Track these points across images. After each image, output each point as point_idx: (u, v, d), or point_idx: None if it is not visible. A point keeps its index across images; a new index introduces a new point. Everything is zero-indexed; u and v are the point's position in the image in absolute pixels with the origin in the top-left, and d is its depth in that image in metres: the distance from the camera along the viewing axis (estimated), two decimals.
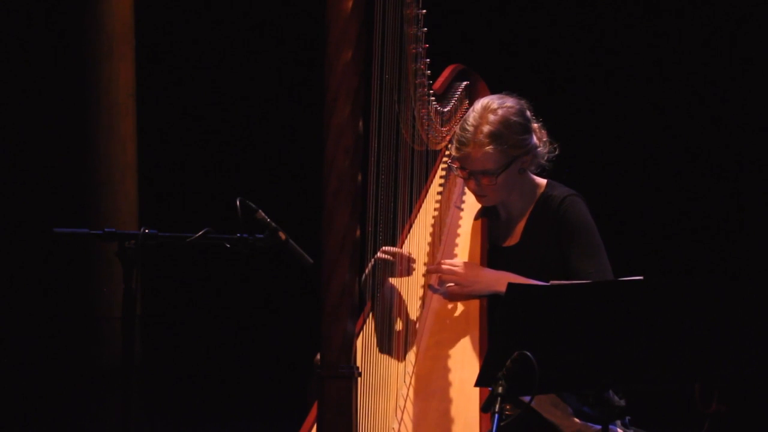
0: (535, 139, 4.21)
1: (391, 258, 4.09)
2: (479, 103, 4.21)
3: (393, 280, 4.12)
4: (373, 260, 4.03)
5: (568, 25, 7.22)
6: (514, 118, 4.17)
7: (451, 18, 7.10)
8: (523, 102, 4.24)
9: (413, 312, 4.11)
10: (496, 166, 4.14)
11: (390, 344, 3.97)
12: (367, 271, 4.04)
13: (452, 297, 4.12)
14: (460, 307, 4.10)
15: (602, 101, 7.21)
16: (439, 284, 4.16)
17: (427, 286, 4.17)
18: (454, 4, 7.14)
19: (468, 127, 4.15)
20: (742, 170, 7.06)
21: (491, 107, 4.17)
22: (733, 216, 7.05)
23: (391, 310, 4.04)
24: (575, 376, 3.37)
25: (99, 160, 7.47)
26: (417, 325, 4.07)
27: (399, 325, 4.01)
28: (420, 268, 4.20)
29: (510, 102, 4.21)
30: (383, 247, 4.04)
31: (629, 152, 7.19)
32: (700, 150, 7.11)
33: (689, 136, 7.13)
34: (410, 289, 4.14)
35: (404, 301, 4.11)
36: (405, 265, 4.11)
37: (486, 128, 4.13)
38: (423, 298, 4.16)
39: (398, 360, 3.95)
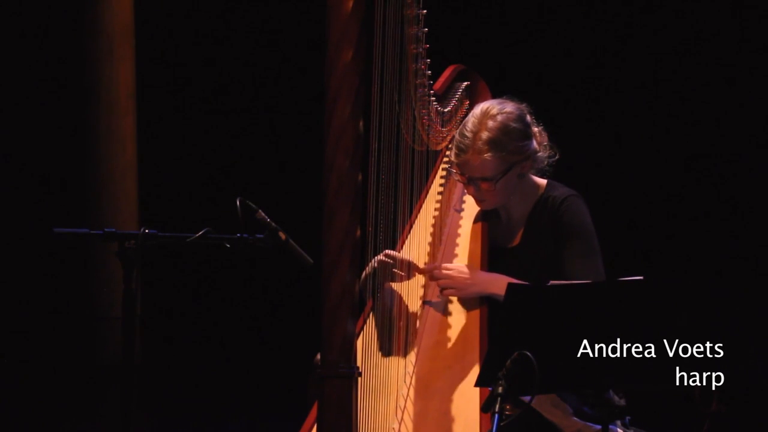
0: (534, 144, 4.17)
1: (392, 262, 4.07)
2: (478, 108, 4.17)
3: (393, 283, 4.11)
4: (373, 262, 4.02)
5: (568, 25, 7.22)
6: (514, 125, 4.13)
7: (451, 18, 7.10)
8: (523, 107, 4.20)
9: (413, 312, 4.10)
10: (494, 172, 4.11)
11: (390, 345, 3.97)
12: (366, 271, 4.03)
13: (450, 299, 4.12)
14: (459, 307, 4.09)
15: (603, 101, 7.21)
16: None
17: (425, 296, 4.16)
18: (454, 4, 7.14)
19: (467, 134, 4.12)
20: (742, 170, 7.06)
21: (490, 113, 4.13)
22: (733, 216, 7.05)
23: (391, 311, 4.04)
24: (575, 376, 3.37)
25: (99, 160, 7.47)
26: (417, 326, 4.07)
27: (399, 326, 4.01)
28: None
29: (510, 107, 4.16)
30: (386, 251, 4.03)
31: (629, 152, 7.19)
32: (700, 150, 7.12)
33: (689, 136, 7.13)
34: (410, 289, 4.14)
35: (404, 301, 4.10)
36: (406, 271, 4.10)
37: (485, 135, 4.09)
38: (423, 299, 4.16)
39: (398, 360, 3.94)
